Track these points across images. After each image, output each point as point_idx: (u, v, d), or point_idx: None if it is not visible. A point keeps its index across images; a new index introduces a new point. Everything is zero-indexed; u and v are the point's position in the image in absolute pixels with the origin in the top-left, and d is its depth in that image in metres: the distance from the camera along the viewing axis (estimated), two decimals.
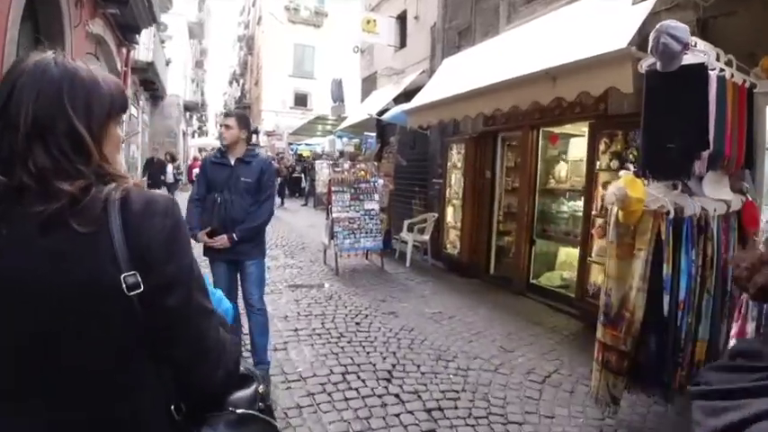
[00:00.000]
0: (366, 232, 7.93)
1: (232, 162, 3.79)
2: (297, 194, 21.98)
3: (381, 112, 9.36)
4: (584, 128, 7.03)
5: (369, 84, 12.64)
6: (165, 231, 1.00)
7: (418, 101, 7.77)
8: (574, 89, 4.87)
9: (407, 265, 8.49)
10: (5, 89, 0.95)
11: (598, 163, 5.73)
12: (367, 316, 5.80)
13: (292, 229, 12.14)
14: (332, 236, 7.95)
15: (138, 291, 0.94)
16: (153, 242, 0.98)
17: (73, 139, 0.96)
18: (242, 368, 1.23)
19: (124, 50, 12.99)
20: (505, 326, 5.66)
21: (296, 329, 5.23)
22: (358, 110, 11.67)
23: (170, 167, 14.72)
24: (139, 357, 1.01)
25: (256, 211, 3.81)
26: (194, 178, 16.68)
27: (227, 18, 69.39)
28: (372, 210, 8.01)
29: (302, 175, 18.91)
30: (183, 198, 14.27)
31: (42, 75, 0.95)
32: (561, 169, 7.05)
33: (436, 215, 8.71)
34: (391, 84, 10.74)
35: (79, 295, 0.92)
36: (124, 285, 0.93)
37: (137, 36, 12.96)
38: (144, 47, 14.89)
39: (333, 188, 7.73)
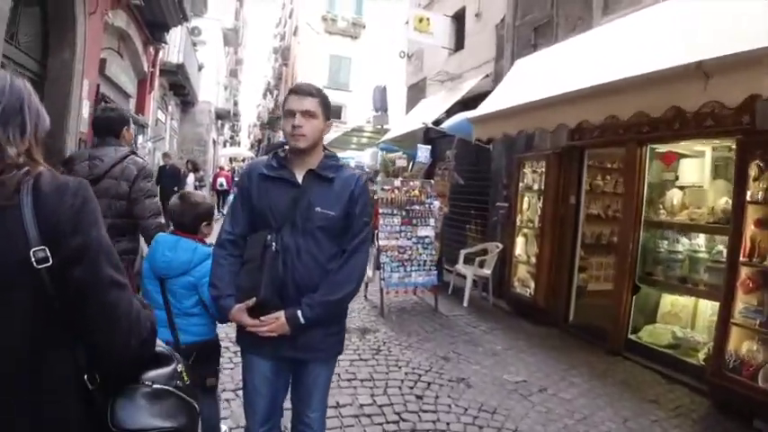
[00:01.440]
0: (418, 264, 6.54)
1: (299, 178, 2.15)
2: None
3: (436, 123, 8.00)
4: (705, 146, 5.57)
5: (416, 91, 11.34)
6: (75, 208, 1.09)
7: (487, 108, 6.40)
8: (740, 90, 3.44)
9: (465, 304, 7.06)
10: None
11: (749, 192, 4.24)
12: (430, 385, 4.38)
13: None
14: (377, 266, 6.59)
15: (47, 264, 1.02)
16: (61, 218, 1.06)
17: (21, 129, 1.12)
18: (162, 348, 1.31)
19: (152, 50, 11.98)
20: (616, 406, 4.18)
21: (337, 404, 3.84)
22: (405, 120, 10.34)
23: (191, 178, 12.93)
24: (51, 329, 1.07)
25: (342, 268, 2.16)
26: (217, 187, 15.16)
27: (263, 30, 69.58)
28: (427, 237, 6.64)
29: None
30: None
31: (12, 81, 1.14)
32: (674, 197, 5.55)
33: (500, 246, 7.27)
34: (445, 91, 9.41)
35: None
36: (33, 260, 1.01)
37: (165, 35, 11.94)
38: (174, 48, 13.91)
39: (380, 210, 6.37)
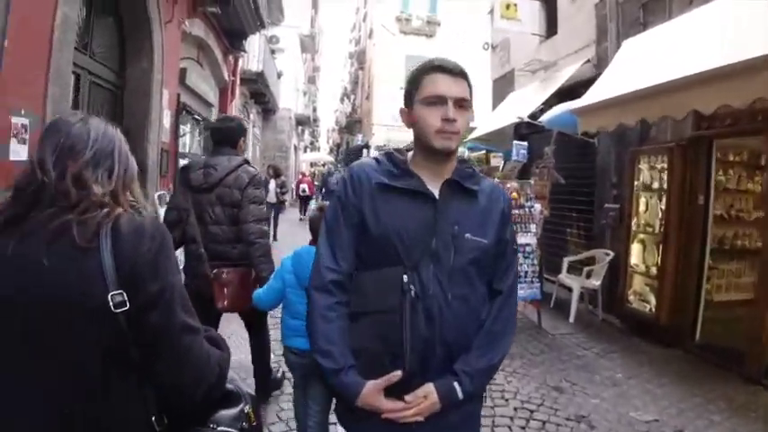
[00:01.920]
0: (519, 276, 5.83)
1: (436, 193, 1.49)
2: None
3: (531, 117, 7.24)
4: None
5: (503, 85, 10.57)
6: (152, 252, 1.09)
7: (595, 96, 5.60)
8: None
9: (571, 320, 6.26)
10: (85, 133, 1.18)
11: None
12: (545, 424, 3.71)
13: None
14: None
15: (125, 308, 1.03)
16: (139, 261, 1.07)
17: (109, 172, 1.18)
18: (231, 386, 1.29)
19: (231, 59, 12.02)
20: None
21: None
22: (492, 116, 9.60)
23: (272, 184, 12.70)
24: (123, 369, 1.09)
25: (498, 316, 1.55)
26: (300, 193, 14.95)
27: (338, 37, 70.53)
28: (528, 245, 5.92)
29: None
30: (289, 218, 12.51)
31: (105, 128, 1.22)
32: None
33: (611, 253, 6.40)
34: (537, 81, 8.60)
35: (69, 311, 1.03)
36: (111, 303, 1.03)
37: (244, 43, 11.92)
38: (253, 57, 13.96)
39: None
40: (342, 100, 56.11)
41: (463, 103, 1.47)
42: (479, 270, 1.51)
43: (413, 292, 1.40)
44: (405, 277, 1.41)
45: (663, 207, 5.70)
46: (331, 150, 61.94)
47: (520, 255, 5.83)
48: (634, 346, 5.51)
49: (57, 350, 1.04)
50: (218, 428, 1.20)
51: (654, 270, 5.77)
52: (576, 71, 7.26)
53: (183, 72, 7.80)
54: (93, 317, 1.03)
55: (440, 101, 1.44)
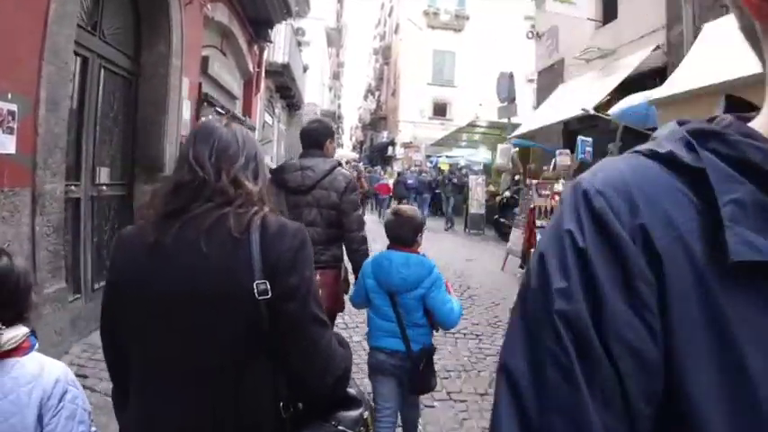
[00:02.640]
0: None
1: None
2: (440, 213, 19.43)
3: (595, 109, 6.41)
4: None
5: (550, 76, 9.74)
6: (293, 250, 1.23)
7: (675, 86, 4.81)
8: None
9: None
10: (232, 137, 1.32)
11: None
12: None
13: (445, 263, 9.45)
14: None
15: (267, 297, 1.15)
16: (282, 256, 1.20)
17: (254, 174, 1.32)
18: (353, 390, 1.38)
19: (256, 49, 11.38)
20: None
21: None
22: (540, 110, 8.77)
23: None
24: (258, 355, 1.19)
25: None
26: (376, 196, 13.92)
27: (362, 33, 69.92)
28: None
29: (445, 192, 15.63)
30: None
31: (247, 134, 1.38)
32: None
33: None
34: (594, 71, 7.76)
35: (219, 295, 1.16)
36: (256, 291, 1.14)
37: (270, 33, 11.28)
38: (279, 48, 13.31)
39: (537, 222, 4.96)
40: (366, 97, 55.40)
41: None
42: None
43: None
44: None
45: None
46: (354, 148, 61.35)
47: None
48: None
49: (206, 332, 1.16)
50: (339, 427, 1.27)
51: None
52: (646, 59, 6.43)
53: (205, 60, 7.18)
54: (239, 302, 1.15)
55: None
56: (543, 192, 5.02)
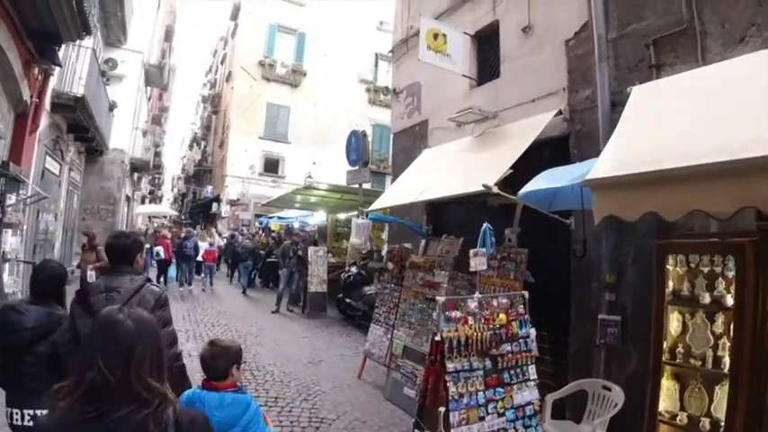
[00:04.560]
0: None
1: None
2: (270, 284, 17.09)
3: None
4: None
5: (411, 139, 8.44)
6: None
7: (613, 165, 3.59)
8: None
9: None
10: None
11: None
12: None
13: (284, 372, 6.93)
14: None
15: None
16: None
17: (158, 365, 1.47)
18: None
19: (37, 72, 8.51)
20: None
21: None
22: (404, 179, 7.29)
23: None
24: None
25: None
26: (154, 261, 11.72)
27: (193, 79, 65.89)
28: (529, 405, 3.52)
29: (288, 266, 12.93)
30: None
31: (146, 321, 1.53)
32: None
33: (615, 389, 4.26)
34: (471, 137, 6.54)
35: None
36: None
37: (57, 53, 8.51)
38: (75, 76, 10.40)
39: (448, 363, 3.21)
40: (191, 146, 51.20)
41: None
42: None
43: None
44: None
45: (718, 330, 3.74)
46: (175, 201, 56.03)
47: (519, 424, 3.39)
48: None
49: None
50: None
51: (707, 425, 3.70)
52: (548, 126, 5.28)
53: None
54: None
55: None
56: (452, 314, 3.31)
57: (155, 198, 43.97)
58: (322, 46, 29.02)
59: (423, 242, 6.75)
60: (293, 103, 28.98)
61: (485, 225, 4.38)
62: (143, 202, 34.55)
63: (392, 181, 8.84)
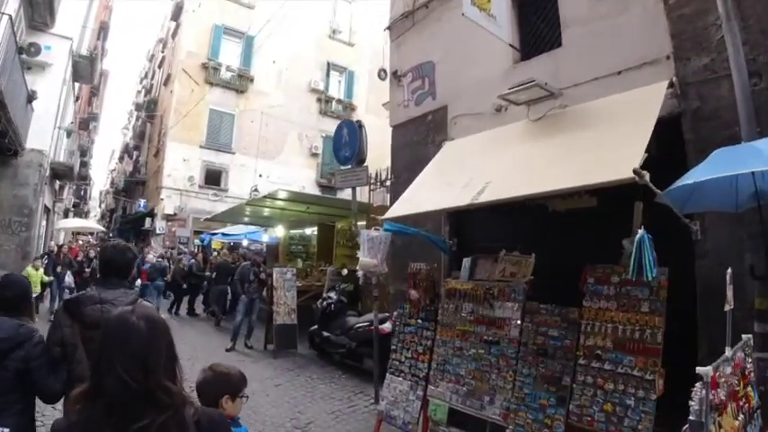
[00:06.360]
0: None
1: None
2: (209, 312, 14.56)
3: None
4: None
5: (420, 131, 6.86)
6: None
7: None
8: None
9: None
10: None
11: None
12: None
13: None
14: None
15: None
16: None
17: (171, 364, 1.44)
18: None
19: None
20: None
21: None
22: (425, 180, 5.67)
23: None
24: None
25: None
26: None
27: (125, 90, 61.81)
28: None
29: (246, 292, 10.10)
30: None
31: (155, 318, 1.49)
32: None
33: None
34: (524, 122, 5.04)
35: None
36: None
37: None
38: None
39: None
40: (122, 158, 47.40)
41: None
42: None
43: None
44: None
45: None
46: (103, 216, 51.70)
47: None
48: None
49: None
50: None
51: None
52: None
53: None
54: None
55: None
56: (717, 395, 1.78)
57: (80, 212, 39.96)
58: (271, 51, 27.29)
59: (445, 259, 5.16)
60: (239, 110, 26.96)
61: (640, 232, 2.86)
62: (66, 215, 30.97)
63: (391, 184, 7.20)
